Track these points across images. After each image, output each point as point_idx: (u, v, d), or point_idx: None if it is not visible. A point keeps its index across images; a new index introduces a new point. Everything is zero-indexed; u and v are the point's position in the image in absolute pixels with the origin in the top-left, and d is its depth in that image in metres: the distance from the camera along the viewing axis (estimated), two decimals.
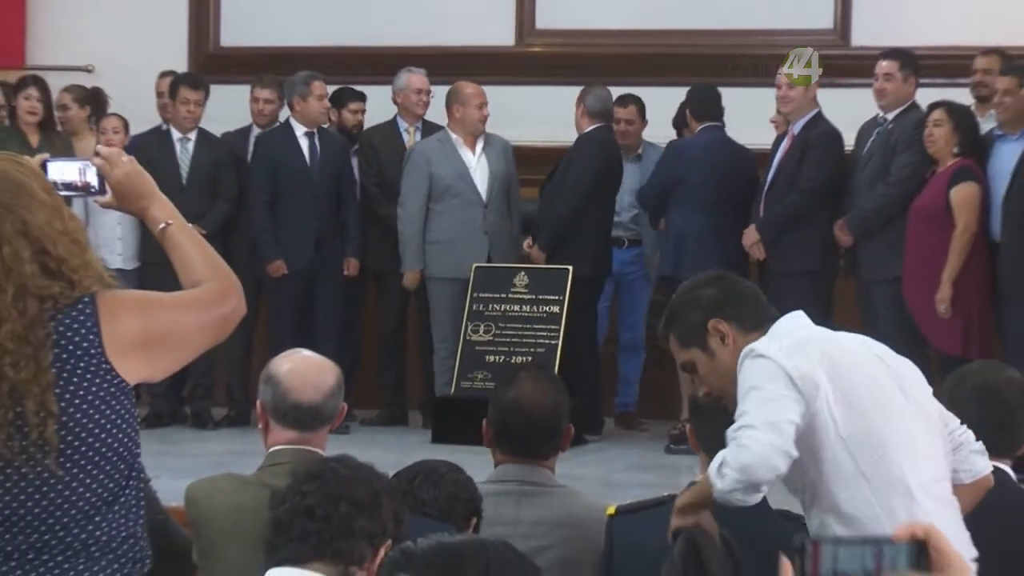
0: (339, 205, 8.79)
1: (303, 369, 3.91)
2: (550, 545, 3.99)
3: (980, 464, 3.55)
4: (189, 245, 2.89)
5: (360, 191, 8.96)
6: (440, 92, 8.87)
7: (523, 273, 8.42)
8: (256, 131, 9.04)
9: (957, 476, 3.52)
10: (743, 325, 3.58)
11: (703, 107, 8.40)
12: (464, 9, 9.79)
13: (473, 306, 8.37)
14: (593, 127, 8.49)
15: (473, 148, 8.68)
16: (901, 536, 1.67)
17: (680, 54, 9.40)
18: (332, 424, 3.94)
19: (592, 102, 8.52)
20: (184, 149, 8.91)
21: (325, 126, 8.95)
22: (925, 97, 7.95)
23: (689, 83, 8.62)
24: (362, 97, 9.26)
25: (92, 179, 2.93)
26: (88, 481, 2.65)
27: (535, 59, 9.78)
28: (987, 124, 7.85)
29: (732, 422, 3.40)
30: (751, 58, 9.22)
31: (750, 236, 8.03)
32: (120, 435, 2.68)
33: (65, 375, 2.62)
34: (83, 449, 2.64)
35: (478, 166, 8.66)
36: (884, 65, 7.98)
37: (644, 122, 8.97)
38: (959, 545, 3.02)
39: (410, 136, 9.00)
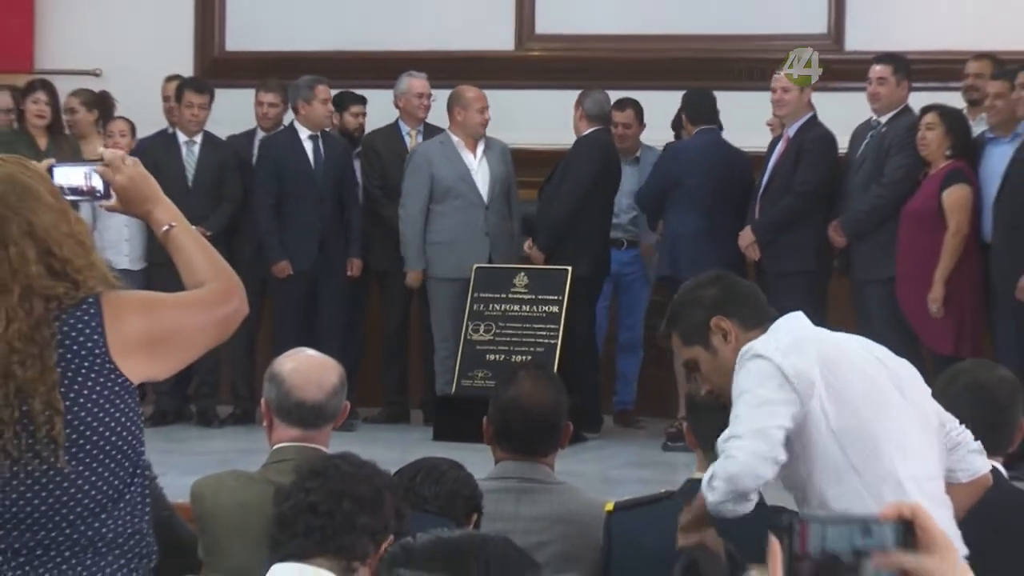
0: (342, 207, 8.79)
1: (307, 368, 3.92)
2: (549, 541, 3.99)
3: (978, 463, 3.55)
4: (192, 247, 2.90)
5: (363, 193, 8.96)
6: (441, 96, 8.87)
7: (523, 273, 8.42)
8: (260, 134, 9.04)
9: (955, 475, 3.52)
10: (744, 323, 3.60)
11: (698, 110, 8.41)
12: (465, 14, 9.80)
13: (474, 306, 8.38)
14: (591, 130, 8.49)
15: (474, 151, 8.68)
16: (888, 515, 1.68)
17: (677, 58, 9.41)
18: (335, 422, 3.94)
19: (590, 105, 8.52)
20: (190, 152, 8.91)
21: (328, 129, 8.95)
22: (918, 101, 7.95)
23: (686, 87, 8.62)
24: (363, 100, 9.27)
25: (97, 183, 2.93)
26: (94, 478, 2.65)
27: (534, 63, 9.79)
28: (979, 127, 7.85)
29: (728, 420, 3.41)
30: (747, 62, 9.22)
31: (746, 237, 8.04)
32: (124, 433, 2.68)
33: (70, 374, 2.63)
34: (88, 447, 2.64)
35: (479, 168, 8.67)
36: (877, 69, 7.98)
37: (642, 125, 8.97)
38: None
39: (412, 139, 9.00)
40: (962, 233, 7.49)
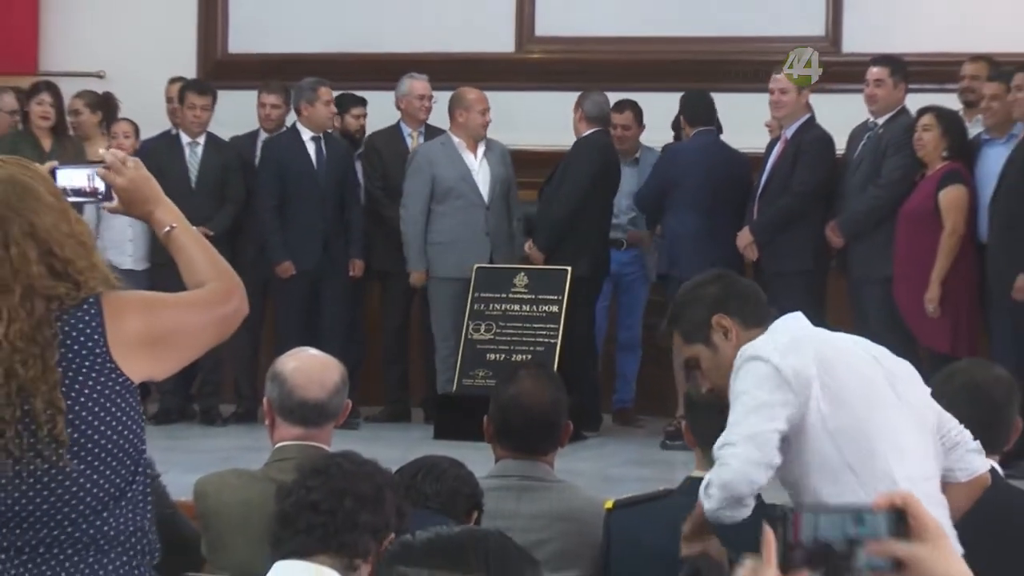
0: (344, 207, 8.79)
1: (309, 367, 3.92)
2: (549, 538, 3.99)
3: (976, 463, 3.54)
4: (193, 247, 2.91)
5: (364, 194, 8.96)
6: (442, 97, 8.88)
7: (523, 273, 8.42)
8: (263, 135, 9.04)
9: (953, 474, 3.51)
10: (745, 321, 3.60)
11: (696, 112, 8.42)
12: (465, 17, 9.80)
13: (474, 305, 8.38)
14: (591, 131, 8.49)
15: (475, 152, 8.68)
16: (881, 504, 1.68)
17: (676, 60, 9.41)
18: (337, 420, 3.94)
19: (590, 107, 8.52)
20: (193, 153, 8.91)
21: (330, 131, 8.95)
22: (914, 102, 7.95)
23: (685, 88, 8.62)
24: (363, 102, 9.27)
25: (100, 185, 2.94)
26: (95, 477, 2.65)
27: (534, 65, 9.79)
28: (974, 129, 7.85)
29: (727, 419, 3.41)
30: (745, 64, 9.22)
31: (744, 238, 8.04)
32: (126, 431, 2.68)
33: (71, 373, 2.63)
34: (89, 446, 2.64)
35: (480, 169, 8.67)
36: (875, 71, 7.98)
37: (641, 127, 8.97)
38: None
39: (413, 140, 9.00)
40: (958, 233, 7.49)
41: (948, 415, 3.55)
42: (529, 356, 8.02)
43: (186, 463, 6.29)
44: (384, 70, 9.45)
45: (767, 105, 8.25)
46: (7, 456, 2.60)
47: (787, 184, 8.02)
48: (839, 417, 3.36)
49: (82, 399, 2.63)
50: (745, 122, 8.70)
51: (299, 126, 8.78)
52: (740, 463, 3.27)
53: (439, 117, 8.95)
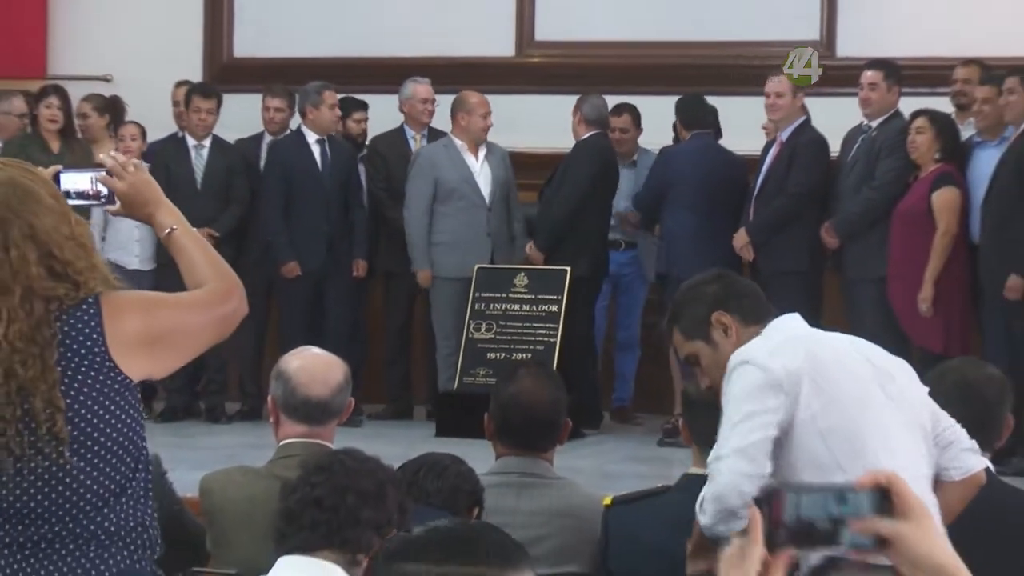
0: (348, 209, 8.79)
1: (312, 366, 3.92)
2: (548, 534, 3.99)
3: (971, 462, 3.52)
4: (193, 248, 2.91)
5: (368, 196, 8.96)
6: (444, 101, 8.88)
7: (523, 274, 8.43)
8: (268, 138, 9.04)
9: (948, 473, 3.50)
10: (745, 318, 3.61)
11: (692, 116, 8.43)
12: (466, 21, 9.80)
13: (475, 305, 8.38)
14: (590, 134, 8.50)
15: (476, 154, 8.69)
16: (864, 483, 1.67)
17: (673, 64, 9.41)
18: (340, 418, 3.94)
19: (588, 110, 8.52)
20: (199, 155, 8.91)
21: (334, 134, 8.95)
22: (908, 105, 7.95)
23: (682, 92, 8.63)
24: (364, 106, 9.26)
25: (102, 189, 2.95)
26: (96, 474, 2.66)
27: (534, 69, 9.78)
28: (967, 131, 7.85)
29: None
30: (741, 68, 9.21)
31: (740, 238, 8.04)
32: (125, 429, 2.69)
33: (70, 372, 2.64)
34: (89, 443, 2.65)
35: (481, 171, 8.67)
36: (869, 75, 7.98)
37: (639, 130, 8.97)
38: None
39: (416, 143, 9.00)
40: (951, 234, 7.49)
41: (944, 414, 3.54)
42: (529, 355, 8.02)
43: (192, 460, 6.29)
44: (386, 74, 9.45)
45: (763, 108, 8.25)
46: (8, 454, 2.61)
47: (783, 186, 8.02)
48: (829, 416, 3.35)
49: (81, 397, 2.64)
50: (741, 125, 8.70)
51: (304, 129, 8.78)
52: (730, 476, 3.28)
53: (442, 120, 8.95)
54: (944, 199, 7.51)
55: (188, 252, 2.90)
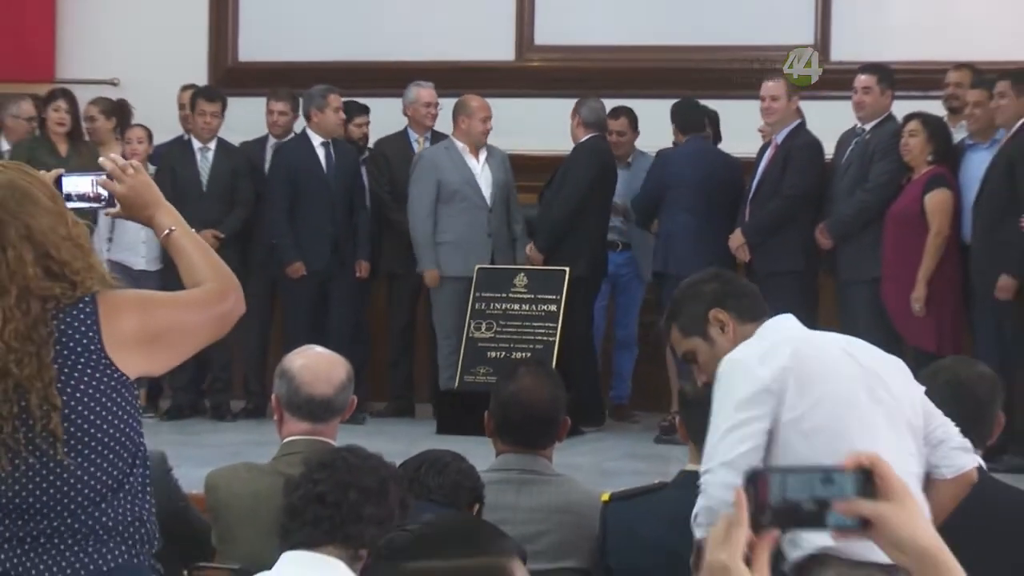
0: (352, 211, 8.79)
1: (315, 364, 3.92)
2: (548, 530, 4.00)
3: (962, 460, 3.50)
4: (192, 249, 2.92)
5: (371, 198, 8.96)
6: (446, 104, 8.89)
7: (523, 274, 8.43)
8: (272, 141, 9.04)
9: (939, 471, 3.49)
10: (741, 315, 3.61)
11: (687, 120, 8.45)
12: (467, 26, 9.80)
13: (476, 305, 8.38)
14: (588, 137, 8.50)
15: (477, 156, 8.69)
16: (848, 464, 1.67)
17: (670, 68, 9.40)
18: (343, 416, 3.94)
19: (587, 113, 8.53)
20: (204, 158, 8.91)
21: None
22: (901, 109, 7.95)
23: (678, 95, 8.63)
24: (366, 110, 9.26)
25: (103, 191, 2.96)
26: (92, 469, 2.66)
27: (534, 73, 9.78)
28: (959, 134, 7.86)
29: None
30: (737, 72, 9.21)
31: (736, 239, 8.04)
32: (122, 425, 2.69)
33: (67, 370, 2.65)
34: (86, 439, 2.66)
35: (483, 173, 8.67)
36: (862, 79, 7.98)
37: (636, 132, 8.97)
38: None
39: (420, 146, 9.00)
40: (943, 235, 7.49)
41: (937, 412, 3.52)
42: (528, 354, 8.01)
43: (197, 457, 6.29)
44: (388, 78, 9.45)
45: (758, 111, 8.25)
46: (5, 451, 2.62)
47: (778, 188, 8.02)
48: (814, 417, 3.35)
49: (78, 395, 2.65)
50: (738, 128, 8.71)
51: (309, 132, 8.77)
52: (718, 490, 3.28)
53: (444, 123, 8.95)
54: (937, 201, 7.51)
55: (187, 252, 2.91)
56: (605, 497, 4.06)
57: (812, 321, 6.92)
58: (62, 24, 10.41)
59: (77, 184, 2.95)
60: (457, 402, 7.95)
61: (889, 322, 7.57)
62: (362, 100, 9.25)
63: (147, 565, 2.75)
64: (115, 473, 2.69)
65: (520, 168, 8.86)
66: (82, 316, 2.67)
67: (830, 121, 8.21)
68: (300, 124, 8.97)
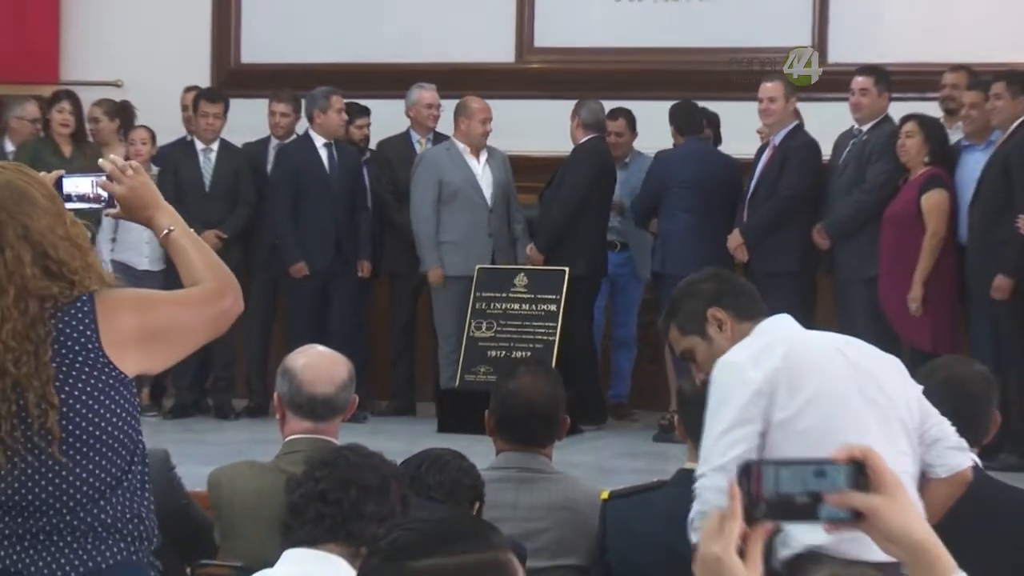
0: (354, 211, 8.79)
1: (317, 363, 3.92)
2: (547, 528, 4.00)
3: (956, 459, 3.49)
4: (190, 248, 2.93)
5: (373, 198, 8.96)
6: (447, 105, 8.89)
7: (523, 274, 8.43)
8: (274, 142, 9.04)
9: (933, 470, 3.48)
10: (739, 314, 3.62)
11: (685, 122, 8.45)
12: (468, 28, 9.80)
13: (476, 304, 8.38)
14: (587, 138, 8.50)
15: (477, 157, 8.69)
16: (840, 457, 1.67)
17: (668, 70, 9.40)
18: (344, 414, 3.94)
19: (586, 115, 8.53)
20: (207, 159, 8.91)
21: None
22: (897, 110, 7.95)
23: (676, 97, 8.63)
24: (367, 112, 9.26)
25: (103, 192, 2.96)
26: (91, 467, 2.67)
27: (534, 75, 9.78)
28: (955, 135, 7.85)
29: None
30: (734, 74, 9.20)
31: (734, 240, 8.04)
32: (120, 423, 2.70)
33: (65, 369, 2.65)
34: (84, 437, 2.66)
35: (483, 174, 8.67)
36: (859, 81, 7.98)
37: (634, 133, 8.97)
38: None
39: (422, 147, 9.00)
40: (940, 235, 7.49)
41: (934, 411, 3.51)
42: (528, 353, 8.01)
43: (200, 455, 6.29)
44: (389, 80, 9.45)
45: (755, 113, 8.24)
46: (4, 449, 2.62)
47: (775, 188, 8.02)
48: (804, 417, 3.34)
49: (76, 393, 2.65)
50: (736, 129, 8.71)
51: (312, 133, 8.77)
52: (712, 494, 3.29)
53: (445, 125, 8.96)
54: (933, 201, 7.51)
55: (185, 252, 2.92)
56: (604, 495, 4.05)
57: (810, 320, 6.93)
58: (66, 26, 10.41)
59: (78, 185, 2.95)
60: (458, 401, 7.95)
61: (886, 321, 7.57)
62: (363, 102, 9.24)
63: (146, 562, 2.75)
64: (114, 471, 2.69)
65: (520, 169, 8.86)
66: (80, 315, 2.67)
67: (827, 122, 8.21)
68: (302, 125, 8.97)
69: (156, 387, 8.91)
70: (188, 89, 9.38)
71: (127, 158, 3.19)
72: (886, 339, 6.69)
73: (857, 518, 1.66)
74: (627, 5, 9.71)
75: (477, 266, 8.44)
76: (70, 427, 2.64)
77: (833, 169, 8.03)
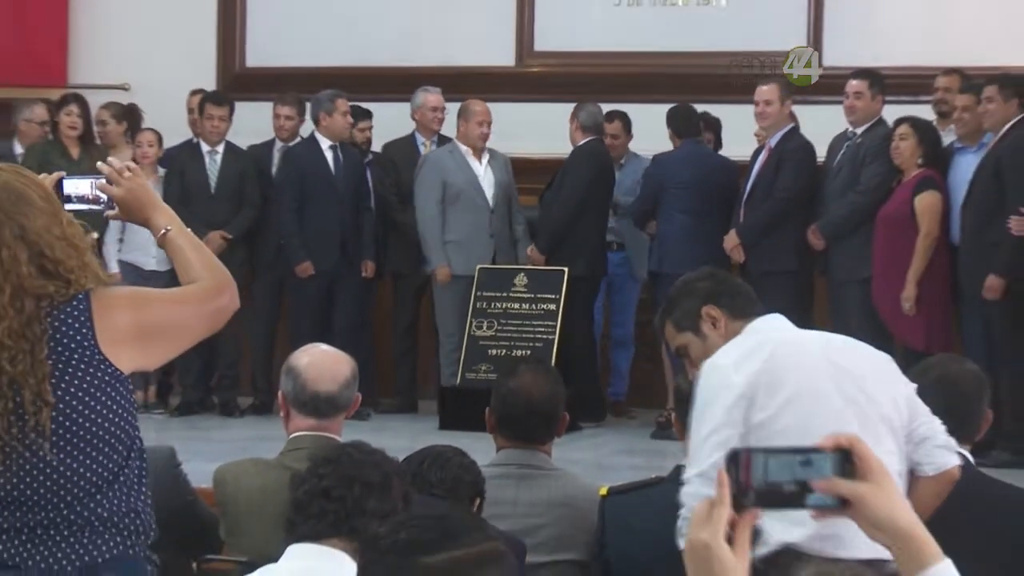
0: (359, 212, 8.79)
1: (321, 362, 3.92)
2: (547, 523, 4.00)
3: (943, 458, 3.47)
4: (187, 247, 2.94)
5: (377, 200, 8.95)
6: (450, 108, 8.89)
7: (523, 274, 8.43)
8: (279, 144, 9.04)
9: (921, 468, 3.47)
10: (733, 313, 3.62)
11: (683, 125, 8.44)
12: (469, 33, 9.81)
13: (477, 304, 8.38)
14: (586, 140, 8.50)
15: (479, 159, 8.70)
16: (827, 445, 1.67)
17: (665, 74, 9.41)
18: (347, 412, 3.94)
19: (585, 117, 8.53)
20: (213, 161, 8.91)
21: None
22: (891, 113, 7.95)
23: (673, 100, 8.63)
24: (369, 115, 9.26)
25: (102, 194, 2.97)
26: (88, 462, 2.67)
27: (534, 78, 9.79)
28: (948, 138, 7.85)
29: None
30: (730, 77, 9.20)
31: (731, 240, 8.04)
32: (116, 419, 2.70)
33: (61, 366, 2.66)
34: (81, 433, 2.67)
35: (485, 175, 8.68)
36: (854, 84, 7.98)
37: (629, 136, 8.98)
38: None
39: (426, 150, 9.00)
40: (932, 236, 7.49)
41: (924, 409, 3.49)
42: (528, 352, 8.01)
43: (206, 452, 6.30)
44: (391, 83, 9.46)
45: (751, 116, 8.24)
46: (2, 445, 2.63)
47: (771, 190, 8.02)
48: (784, 417, 3.32)
49: (72, 390, 2.66)
50: (733, 132, 8.72)
51: (317, 135, 8.77)
52: (694, 501, 3.28)
53: (449, 127, 8.96)
54: (926, 203, 7.51)
55: (182, 251, 2.93)
56: (603, 491, 4.05)
57: (806, 321, 6.93)
58: (74, 31, 10.42)
59: (77, 186, 2.97)
60: (459, 399, 7.95)
61: (880, 321, 7.57)
62: (365, 105, 9.24)
63: (142, 556, 2.76)
64: (110, 466, 2.70)
65: (520, 171, 8.86)
66: (75, 313, 2.68)
67: (822, 125, 8.21)
68: (306, 128, 8.97)
69: (162, 385, 8.92)
70: (194, 92, 9.38)
71: (134, 160, 3.20)
72: (880, 339, 6.68)
73: (843, 505, 1.66)
74: (626, 9, 9.71)
75: (478, 266, 8.45)
76: (67, 423, 2.65)
77: (828, 171, 8.03)
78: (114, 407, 2.70)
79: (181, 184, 8.67)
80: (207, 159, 8.90)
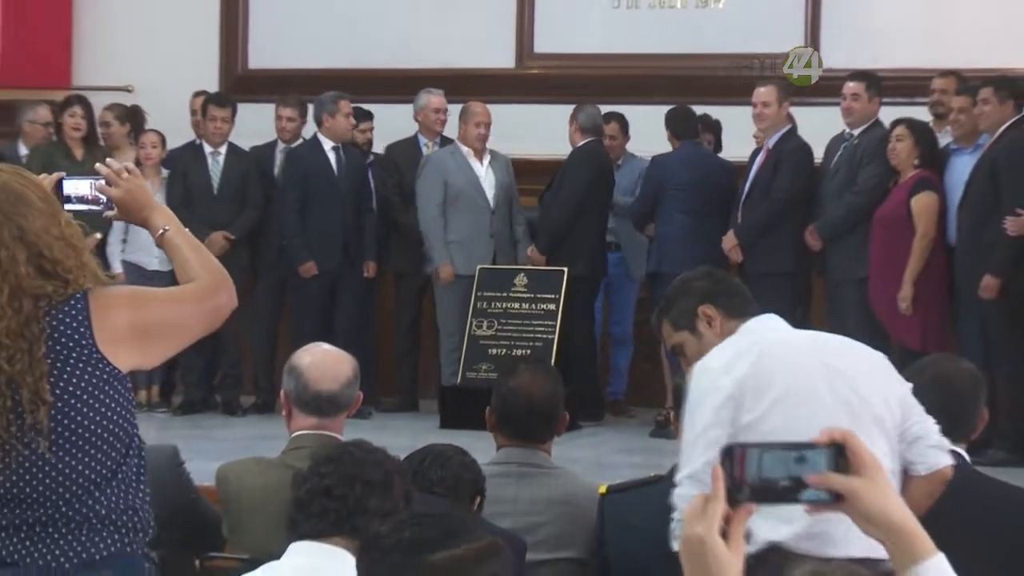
0: (361, 213, 8.80)
1: (323, 361, 3.92)
2: (547, 522, 4.00)
3: (936, 458, 3.44)
4: (185, 247, 2.95)
5: (379, 200, 8.96)
6: (453, 110, 8.90)
7: (523, 274, 8.43)
8: (281, 146, 9.04)
9: (914, 467, 3.45)
10: (729, 312, 3.62)
11: (682, 126, 8.45)
12: (469, 35, 9.81)
13: (477, 304, 8.38)
14: (585, 141, 8.50)
15: (481, 160, 8.70)
16: (821, 440, 1.67)
17: (663, 76, 9.41)
18: (349, 411, 3.94)
19: (584, 119, 8.53)
20: (215, 162, 8.91)
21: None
22: (888, 114, 7.95)
23: (672, 102, 8.64)
24: (370, 116, 9.26)
25: (101, 195, 2.97)
26: (86, 460, 2.68)
27: (533, 80, 9.79)
28: (944, 139, 7.85)
29: None
30: (728, 79, 9.21)
31: (729, 241, 8.04)
32: (114, 416, 2.71)
33: (59, 365, 2.66)
34: (79, 431, 2.67)
35: (486, 176, 8.68)
36: (851, 86, 7.98)
37: (626, 137, 8.99)
38: None
39: (429, 151, 9.01)
40: (929, 237, 7.49)
41: (918, 408, 3.47)
42: (528, 351, 8.02)
43: (209, 451, 6.30)
44: (392, 85, 9.47)
45: (748, 117, 8.24)
46: (1, 443, 2.63)
47: (769, 191, 8.03)
48: (772, 417, 3.31)
49: (70, 388, 2.66)
50: (732, 133, 8.72)
51: (320, 136, 8.77)
52: (685, 503, 3.28)
53: (451, 129, 8.97)
54: (923, 204, 7.51)
55: (180, 251, 2.94)
56: (602, 489, 4.05)
57: (804, 321, 6.94)
58: (78, 33, 10.42)
59: (77, 187, 2.98)
60: (460, 398, 7.95)
61: (877, 321, 7.57)
62: (366, 106, 9.24)
63: (140, 553, 2.76)
64: (108, 463, 2.70)
65: (520, 172, 8.87)
66: (73, 312, 2.69)
67: (820, 126, 8.22)
68: (307, 130, 8.98)
69: (166, 384, 8.92)
70: (197, 94, 9.38)
71: (138, 161, 3.22)
72: (877, 339, 6.69)
73: (837, 500, 1.67)
74: (625, 12, 9.72)
75: (479, 266, 8.45)
76: (65, 421, 2.66)
77: (825, 172, 8.03)
78: (112, 405, 2.70)
79: (184, 185, 8.68)
80: (210, 160, 8.90)
